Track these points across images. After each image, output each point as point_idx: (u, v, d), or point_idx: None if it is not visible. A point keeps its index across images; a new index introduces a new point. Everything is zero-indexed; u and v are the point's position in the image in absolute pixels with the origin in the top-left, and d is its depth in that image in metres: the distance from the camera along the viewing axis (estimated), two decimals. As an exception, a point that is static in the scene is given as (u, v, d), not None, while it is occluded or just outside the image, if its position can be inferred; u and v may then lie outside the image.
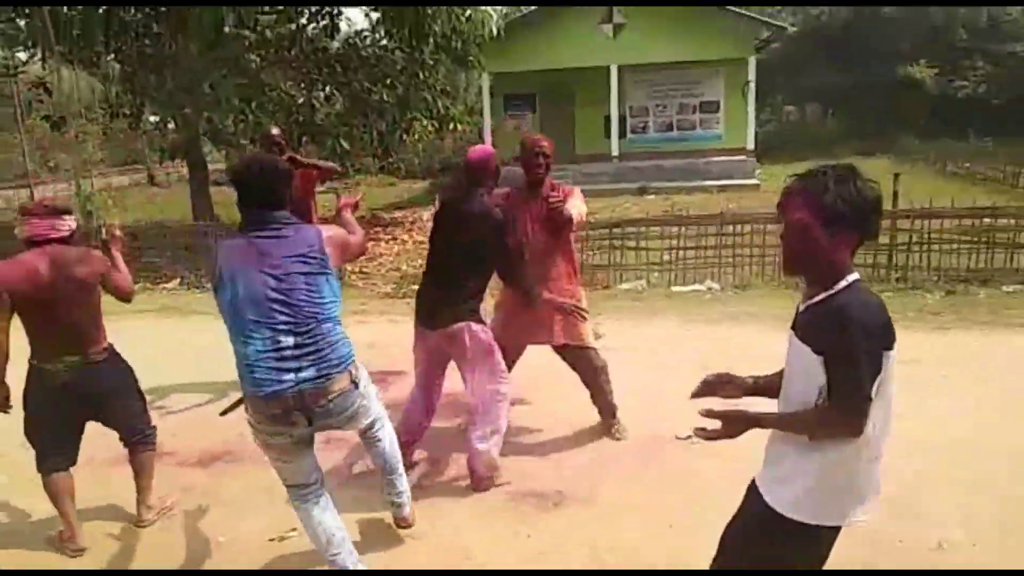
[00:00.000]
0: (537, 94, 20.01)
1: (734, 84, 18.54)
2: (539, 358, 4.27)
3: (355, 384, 2.65)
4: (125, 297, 3.28)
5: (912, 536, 3.01)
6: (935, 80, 24.77)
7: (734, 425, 1.88)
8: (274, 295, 2.49)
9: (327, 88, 13.06)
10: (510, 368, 4.00)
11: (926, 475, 3.50)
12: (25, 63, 13.20)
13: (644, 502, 3.44)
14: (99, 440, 3.47)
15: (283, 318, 2.49)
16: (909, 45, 24.83)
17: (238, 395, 4.97)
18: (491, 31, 12.33)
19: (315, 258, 2.59)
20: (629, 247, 8.32)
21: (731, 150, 18.36)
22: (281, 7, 11.95)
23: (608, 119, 18.32)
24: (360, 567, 2.82)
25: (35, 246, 3.04)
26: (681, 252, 8.21)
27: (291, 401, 2.49)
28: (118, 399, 3.29)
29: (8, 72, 13.10)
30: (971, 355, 5.34)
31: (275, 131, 5.01)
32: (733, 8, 17.25)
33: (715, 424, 1.90)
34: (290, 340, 2.49)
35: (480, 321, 3.51)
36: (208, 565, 3.10)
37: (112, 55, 12.61)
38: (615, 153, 18.29)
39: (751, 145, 18.38)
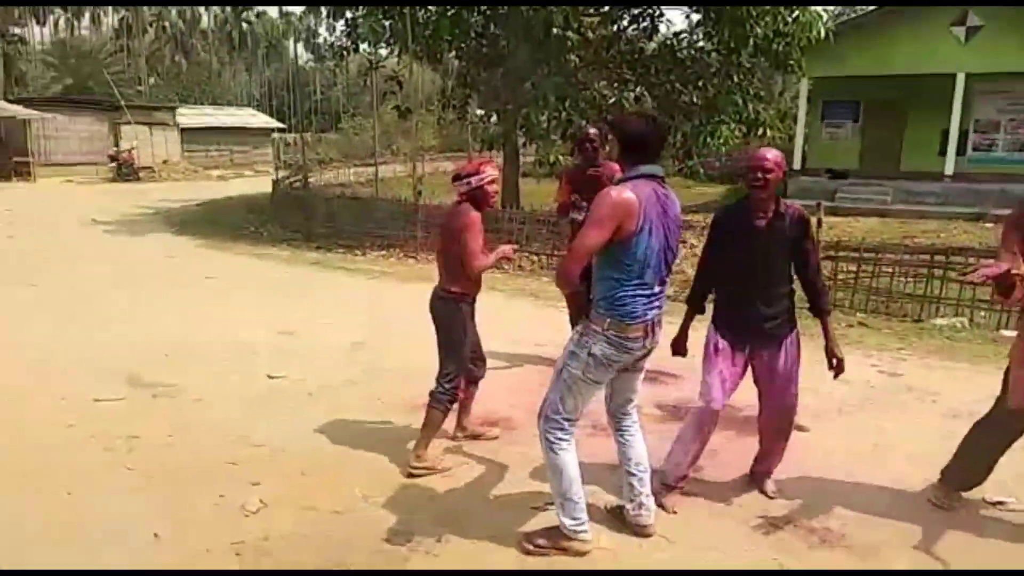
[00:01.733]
0: (861, 102, 18.37)
1: (1117, 99, 15.33)
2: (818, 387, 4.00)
3: None
4: (465, 264, 3.73)
5: None
6: None
7: None
8: (665, 249, 2.93)
9: (638, 88, 13.28)
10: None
11: None
12: (385, 58, 15.29)
13: (922, 563, 3.08)
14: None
15: (663, 269, 2.96)
16: None
17: (530, 366, 5.35)
18: (819, 33, 11.61)
19: (679, 222, 3.04)
20: (951, 278, 7.35)
21: (1102, 178, 15.24)
22: (606, 7, 12.41)
23: (946, 133, 16.20)
24: (585, 525, 3.04)
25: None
26: (1018, 291, 7.03)
27: (647, 328, 2.96)
28: (438, 335, 3.87)
29: (372, 66, 15.31)
30: None
31: (592, 131, 5.16)
32: None
33: None
34: (658, 288, 2.98)
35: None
36: (474, 521, 3.36)
37: (453, 53, 14.12)
38: (949, 172, 16.14)
39: None
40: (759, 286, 3.37)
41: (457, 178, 3.81)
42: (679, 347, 3.60)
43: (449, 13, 12.22)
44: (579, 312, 3.11)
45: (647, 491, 3.23)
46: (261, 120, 36.33)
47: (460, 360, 3.86)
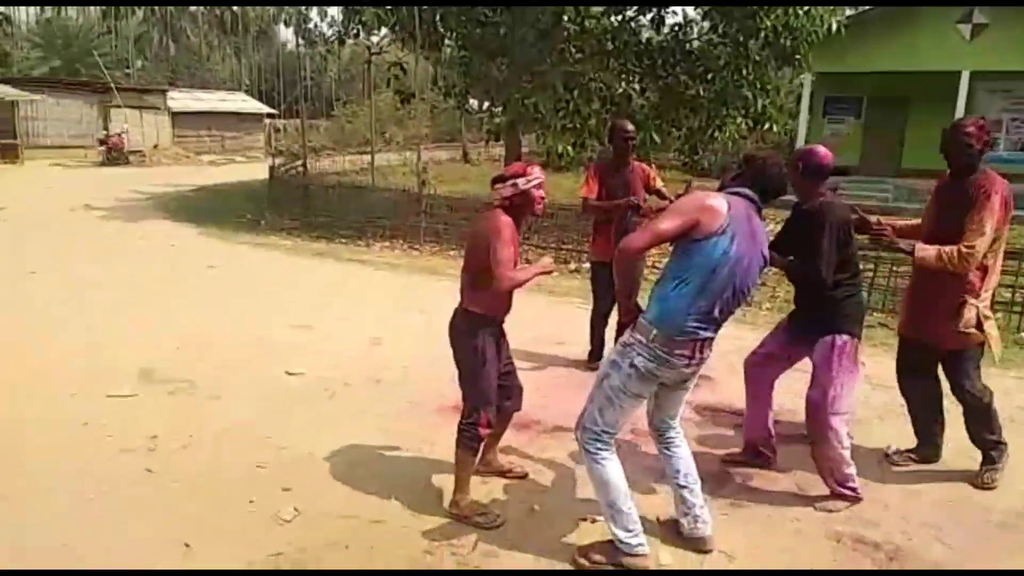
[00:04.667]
0: (864, 98, 18.30)
1: (1122, 99, 15.35)
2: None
3: None
4: (493, 277, 3.15)
5: None
6: None
7: None
8: (740, 274, 2.78)
9: (644, 80, 13.07)
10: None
11: None
12: (389, 44, 15.01)
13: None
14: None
15: (728, 293, 2.79)
16: None
17: (553, 367, 5.14)
18: (830, 27, 11.45)
19: (766, 258, 2.92)
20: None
21: (1106, 178, 15.25)
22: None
23: (948, 131, 16.13)
24: (641, 537, 2.91)
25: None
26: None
27: (695, 347, 2.82)
28: (457, 363, 3.40)
29: (371, 53, 15.02)
30: None
31: (629, 125, 5.20)
32: None
33: None
34: (717, 312, 2.80)
35: None
36: (521, 533, 3.21)
37: (453, 41, 13.86)
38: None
39: None
40: (797, 274, 3.55)
41: (500, 180, 3.27)
42: None
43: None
44: (625, 306, 2.98)
45: (700, 502, 3.10)
46: (252, 105, 35.76)
47: (481, 393, 3.29)
